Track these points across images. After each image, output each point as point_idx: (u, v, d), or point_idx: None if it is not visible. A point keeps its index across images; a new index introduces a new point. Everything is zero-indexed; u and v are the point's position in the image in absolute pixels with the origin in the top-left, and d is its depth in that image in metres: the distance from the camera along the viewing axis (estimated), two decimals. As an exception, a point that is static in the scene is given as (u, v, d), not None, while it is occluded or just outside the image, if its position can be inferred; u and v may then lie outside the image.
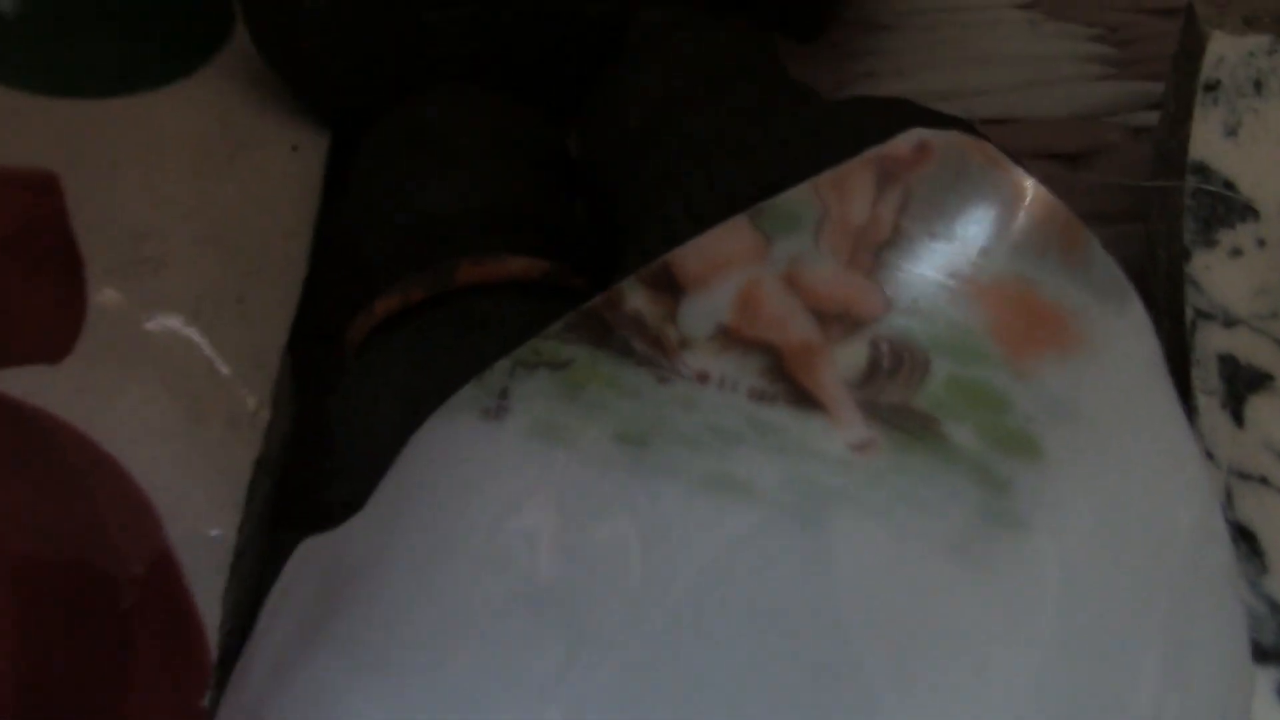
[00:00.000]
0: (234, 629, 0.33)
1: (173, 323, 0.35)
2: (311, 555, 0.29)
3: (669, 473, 0.25)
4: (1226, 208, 0.34)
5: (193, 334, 0.35)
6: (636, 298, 0.26)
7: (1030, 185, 0.27)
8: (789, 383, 0.25)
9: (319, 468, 0.35)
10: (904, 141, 0.27)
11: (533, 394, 0.26)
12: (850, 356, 0.26)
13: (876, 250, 0.26)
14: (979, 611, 0.24)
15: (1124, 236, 0.38)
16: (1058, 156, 0.39)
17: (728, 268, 0.26)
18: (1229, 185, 0.35)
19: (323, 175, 0.40)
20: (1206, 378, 0.33)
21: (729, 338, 0.26)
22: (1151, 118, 0.39)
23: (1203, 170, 0.35)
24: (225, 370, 0.35)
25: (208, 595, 0.33)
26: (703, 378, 0.26)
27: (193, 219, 0.37)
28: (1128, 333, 0.27)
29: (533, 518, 0.25)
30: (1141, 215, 0.36)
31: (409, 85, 0.39)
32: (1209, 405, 0.32)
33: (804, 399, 0.25)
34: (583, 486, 0.25)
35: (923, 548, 0.24)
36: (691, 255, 0.26)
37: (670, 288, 0.26)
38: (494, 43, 0.39)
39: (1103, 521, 0.26)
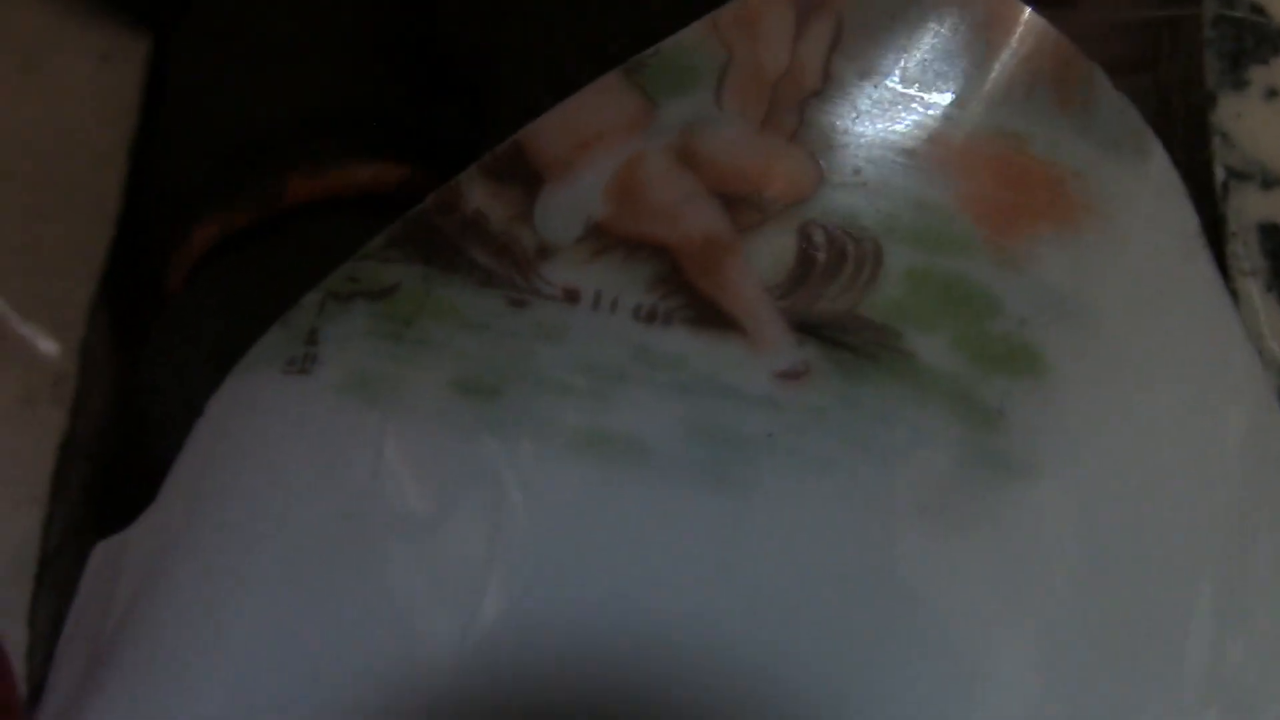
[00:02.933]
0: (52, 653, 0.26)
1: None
2: (106, 561, 0.23)
3: (529, 431, 0.18)
4: (1258, 38, 0.27)
5: (-26, 287, 0.28)
6: (478, 194, 0.19)
7: (1008, 5, 0.20)
8: (688, 294, 0.18)
9: (139, 446, 0.28)
10: (832, -44, 0.20)
11: (347, 335, 0.19)
12: (772, 252, 0.18)
13: (801, 105, 0.19)
14: (966, 590, 0.17)
15: (1134, 90, 0.30)
16: (1043, -1, 0.32)
17: (599, 144, 0.19)
18: (1257, 9, 0.27)
19: (141, 90, 0.32)
20: (1246, 254, 0.26)
21: (604, 239, 0.19)
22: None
23: (1226, -9, 0.27)
24: (19, 331, 0.28)
25: (8, 613, 0.26)
26: (571, 296, 0.19)
27: (-29, 148, 0.30)
28: (1149, 193, 0.20)
29: (341, 504, 0.18)
30: (1151, 61, 0.29)
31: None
32: (1251, 289, 0.25)
33: (710, 316, 0.18)
34: (411, 457, 0.18)
35: (883, 511, 0.17)
36: (549, 131, 0.19)
37: (522, 177, 0.19)
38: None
39: (1131, 450, 0.19)
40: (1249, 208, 0.26)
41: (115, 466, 0.29)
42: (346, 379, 0.19)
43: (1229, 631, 0.19)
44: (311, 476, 0.19)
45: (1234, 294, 0.26)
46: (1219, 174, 0.26)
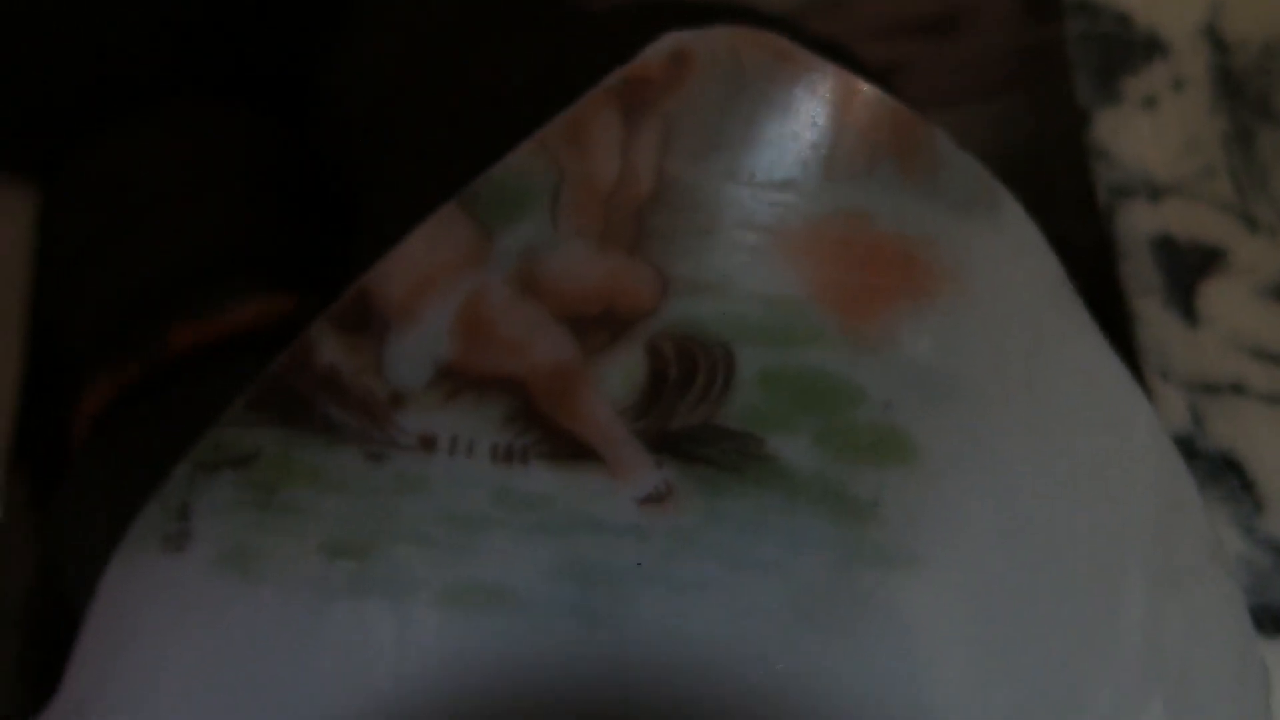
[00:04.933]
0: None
1: None
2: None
3: (399, 590, 0.18)
4: (1125, 49, 0.27)
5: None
6: (329, 347, 0.19)
7: (838, 78, 0.19)
8: (543, 428, 0.18)
9: (61, 612, 0.28)
10: (653, 55, 0.19)
11: (217, 507, 0.19)
12: (622, 373, 0.18)
13: (638, 213, 0.19)
14: (859, 688, 0.17)
15: (1015, 109, 0.30)
16: (920, 27, 0.31)
17: (439, 282, 0.19)
18: (1122, 19, 0.27)
19: (32, 244, 0.32)
20: (1140, 272, 0.25)
21: (455, 380, 0.18)
22: (1024, -43, 0.32)
23: (1086, 8, 0.27)
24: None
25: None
26: (428, 444, 0.18)
27: None
28: (1006, 251, 0.19)
29: (230, 684, 0.18)
30: (1026, 83, 0.29)
31: (108, 112, 0.31)
32: (1149, 308, 0.25)
33: (567, 448, 0.18)
34: (282, 629, 0.18)
35: (764, 624, 0.17)
36: (390, 274, 0.19)
37: (369, 325, 0.19)
38: (196, 40, 0.31)
39: (1017, 525, 0.18)
40: (1138, 224, 0.26)
41: (44, 633, 0.29)
42: (220, 554, 0.19)
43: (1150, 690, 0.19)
44: (199, 659, 0.19)
45: (1131, 317, 0.25)
46: (1102, 194, 0.26)
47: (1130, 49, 0.27)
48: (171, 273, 0.27)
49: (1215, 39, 0.27)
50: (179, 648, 0.19)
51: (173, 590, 0.19)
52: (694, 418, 0.18)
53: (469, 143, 0.22)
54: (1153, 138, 0.26)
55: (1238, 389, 0.24)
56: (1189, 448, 0.24)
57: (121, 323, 0.27)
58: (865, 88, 0.20)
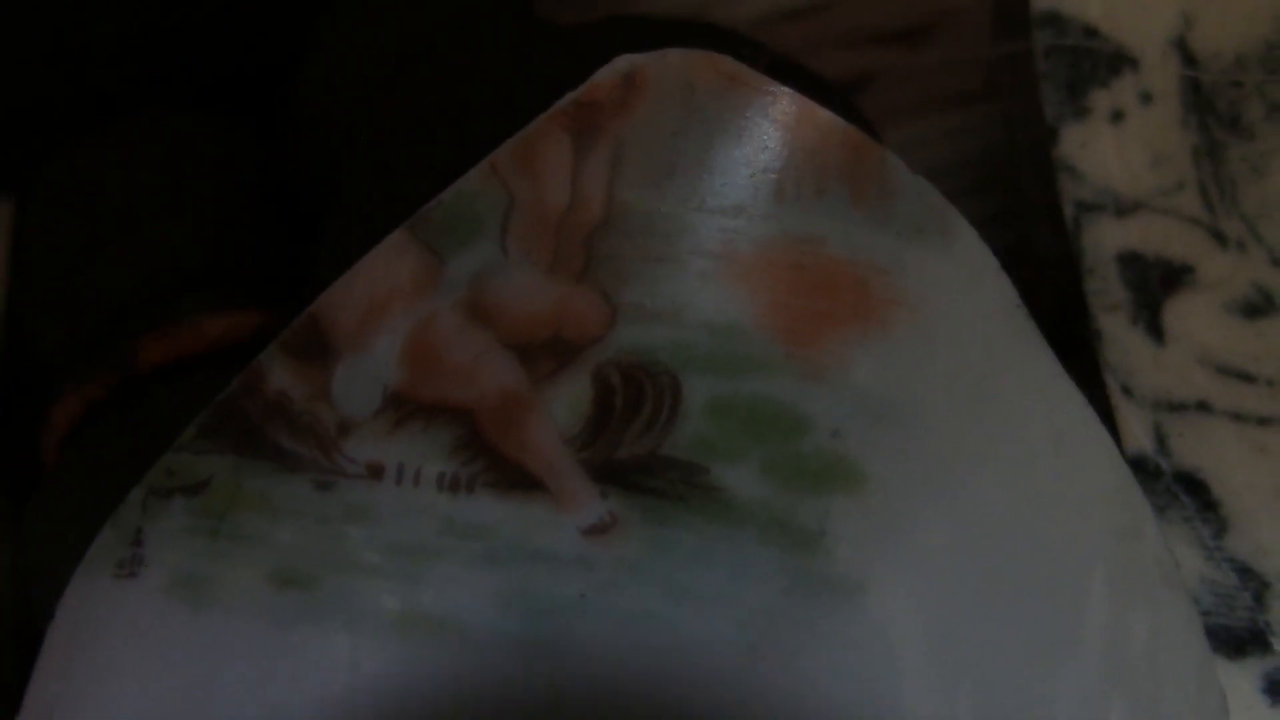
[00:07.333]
0: None
1: None
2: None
3: (348, 620, 0.18)
4: (1092, 62, 0.27)
5: None
6: (279, 374, 0.19)
7: (790, 101, 0.19)
8: (489, 457, 0.18)
9: (30, 633, 0.28)
10: (604, 78, 0.19)
11: (168, 534, 0.19)
12: (568, 401, 0.18)
13: (587, 239, 0.19)
14: (808, 718, 0.17)
15: (985, 120, 0.30)
16: (892, 37, 0.31)
17: (387, 309, 0.19)
18: (1090, 32, 0.27)
19: (7, 255, 0.32)
20: (1106, 289, 0.25)
21: (403, 408, 0.18)
22: (998, -35, 0.31)
23: (1054, 21, 0.27)
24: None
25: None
26: (375, 472, 0.18)
27: None
28: (959, 275, 0.19)
29: (168, 712, 0.18)
30: (997, 94, 0.29)
31: (84, 122, 0.31)
32: (1115, 325, 0.25)
33: (513, 478, 0.18)
34: (232, 658, 0.18)
35: (711, 657, 0.17)
36: (340, 301, 0.19)
37: (319, 352, 0.19)
38: (172, 49, 0.31)
39: (973, 545, 0.18)
40: (1105, 239, 0.26)
41: (18, 650, 0.29)
42: (171, 581, 0.19)
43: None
44: (151, 688, 0.19)
45: (1097, 334, 0.25)
46: (1069, 210, 0.26)
47: (1098, 62, 0.26)
48: (142, 286, 0.27)
49: (1185, 51, 0.27)
50: (132, 675, 0.19)
51: (125, 617, 0.19)
52: (640, 447, 0.18)
53: (426, 162, 0.22)
54: (1120, 152, 0.26)
55: (1203, 407, 0.24)
56: (1152, 467, 0.24)
57: (90, 338, 0.27)
58: (817, 110, 0.19)
